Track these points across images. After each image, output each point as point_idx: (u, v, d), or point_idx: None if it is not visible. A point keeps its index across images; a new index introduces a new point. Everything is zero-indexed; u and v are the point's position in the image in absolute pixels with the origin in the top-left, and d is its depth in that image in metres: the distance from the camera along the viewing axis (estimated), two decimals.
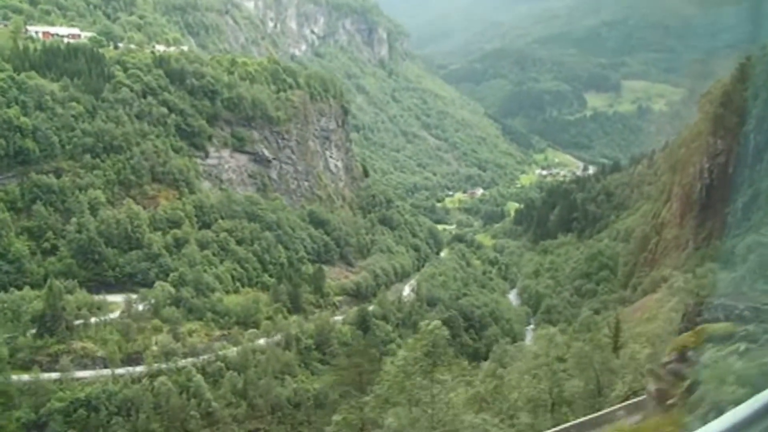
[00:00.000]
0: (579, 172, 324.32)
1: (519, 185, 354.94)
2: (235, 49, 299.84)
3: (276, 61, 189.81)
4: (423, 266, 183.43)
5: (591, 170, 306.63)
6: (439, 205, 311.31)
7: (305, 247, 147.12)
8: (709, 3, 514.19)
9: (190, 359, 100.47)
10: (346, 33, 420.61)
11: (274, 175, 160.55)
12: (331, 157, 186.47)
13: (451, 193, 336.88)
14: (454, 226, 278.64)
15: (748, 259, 45.76)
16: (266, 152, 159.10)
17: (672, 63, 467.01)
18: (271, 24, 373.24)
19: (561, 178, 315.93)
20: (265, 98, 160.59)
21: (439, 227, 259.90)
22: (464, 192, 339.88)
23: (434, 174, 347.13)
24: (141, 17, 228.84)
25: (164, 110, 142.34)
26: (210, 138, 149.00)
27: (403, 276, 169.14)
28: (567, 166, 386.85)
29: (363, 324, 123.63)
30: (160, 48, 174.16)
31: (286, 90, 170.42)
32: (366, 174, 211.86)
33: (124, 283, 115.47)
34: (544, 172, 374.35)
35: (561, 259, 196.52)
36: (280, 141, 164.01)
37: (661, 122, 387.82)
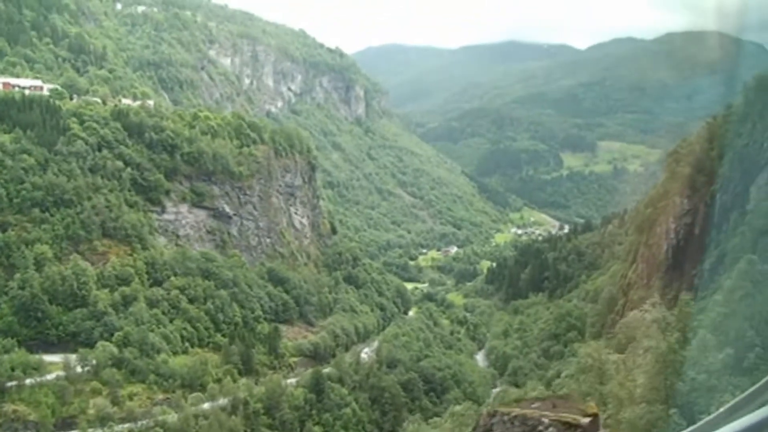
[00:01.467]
0: (555, 231, 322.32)
1: (494, 244, 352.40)
2: (209, 104, 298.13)
3: (240, 116, 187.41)
4: (388, 326, 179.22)
5: (566, 229, 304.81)
6: (412, 263, 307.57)
7: (262, 305, 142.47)
8: (684, 66, 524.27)
9: (127, 425, 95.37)
10: (323, 90, 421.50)
11: (234, 231, 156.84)
12: (296, 213, 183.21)
13: (425, 251, 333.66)
14: (426, 285, 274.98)
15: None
16: (227, 208, 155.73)
17: (648, 124, 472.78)
18: (247, 81, 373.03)
19: (536, 237, 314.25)
20: (227, 153, 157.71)
21: (411, 285, 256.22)
22: (438, 250, 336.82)
23: (408, 232, 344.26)
24: (111, 71, 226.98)
25: (120, 164, 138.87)
26: (168, 192, 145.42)
27: (366, 336, 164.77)
28: (543, 225, 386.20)
29: (317, 387, 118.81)
30: (127, 102, 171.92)
31: (250, 145, 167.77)
32: (334, 231, 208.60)
33: (67, 342, 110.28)
34: (520, 231, 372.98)
35: (530, 320, 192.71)
36: (241, 196, 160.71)
37: (636, 182, 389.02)
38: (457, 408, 56.35)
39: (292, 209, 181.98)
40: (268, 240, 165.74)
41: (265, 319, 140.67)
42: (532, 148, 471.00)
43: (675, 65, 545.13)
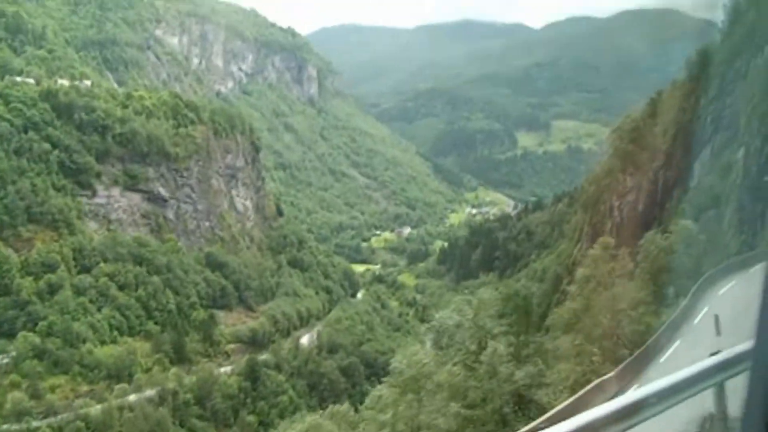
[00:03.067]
0: (510, 211, 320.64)
1: (448, 224, 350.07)
2: (156, 85, 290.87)
3: (176, 95, 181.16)
4: (333, 309, 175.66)
5: (519, 208, 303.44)
6: (364, 244, 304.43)
7: (198, 291, 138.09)
8: (639, 44, 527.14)
9: (46, 420, 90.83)
10: (275, 70, 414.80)
11: (170, 214, 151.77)
12: (238, 195, 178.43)
13: (378, 232, 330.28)
14: (378, 266, 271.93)
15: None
16: (162, 190, 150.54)
17: (602, 103, 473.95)
18: (196, 60, 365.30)
19: (490, 217, 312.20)
20: (162, 133, 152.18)
21: (363, 267, 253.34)
22: (392, 231, 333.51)
23: (362, 213, 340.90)
24: (50, 51, 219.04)
25: (47, 146, 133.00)
26: (98, 175, 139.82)
27: (309, 320, 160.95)
28: (498, 204, 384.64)
29: (252, 374, 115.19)
30: (63, 82, 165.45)
31: (187, 125, 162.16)
32: (280, 213, 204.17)
33: None
34: (474, 211, 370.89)
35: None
36: (178, 179, 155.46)
37: (590, 161, 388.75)
38: (337, 407, 52.93)
39: (234, 191, 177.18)
40: (207, 223, 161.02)
41: (201, 305, 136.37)
42: (486, 128, 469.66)
43: (630, 43, 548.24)
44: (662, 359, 25.24)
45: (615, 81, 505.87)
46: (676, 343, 27.47)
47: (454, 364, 30.62)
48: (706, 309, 33.13)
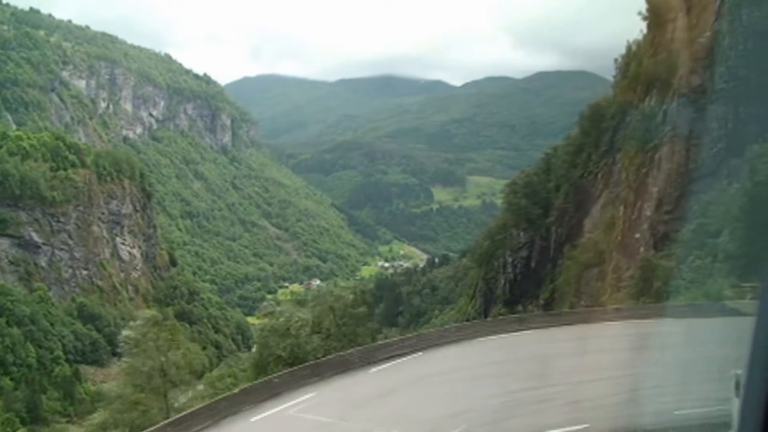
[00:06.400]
0: (423, 265, 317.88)
1: (359, 277, 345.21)
2: (58, 127, 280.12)
3: (59, 136, 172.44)
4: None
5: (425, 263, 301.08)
6: (269, 297, 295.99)
7: (65, 345, 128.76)
8: (553, 104, 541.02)
9: None
10: (187, 118, 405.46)
11: (42, 262, 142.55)
12: (123, 243, 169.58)
13: (286, 284, 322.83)
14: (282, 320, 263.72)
15: None
16: (35, 236, 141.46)
17: (516, 160, 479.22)
18: (103, 104, 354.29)
19: (398, 270, 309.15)
20: (39, 176, 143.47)
21: (266, 321, 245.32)
22: (300, 283, 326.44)
23: (271, 264, 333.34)
24: None
25: None
26: None
27: (192, 377, 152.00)
28: (412, 258, 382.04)
29: None
30: None
31: (68, 168, 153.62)
32: (173, 263, 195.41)
33: None
34: (387, 264, 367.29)
35: None
36: (54, 224, 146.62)
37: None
38: None
39: (119, 239, 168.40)
40: (84, 272, 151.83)
41: (67, 360, 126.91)
42: (403, 182, 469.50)
43: (544, 103, 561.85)
44: None
45: (529, 139, 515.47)
46: None
47: None
48: None
